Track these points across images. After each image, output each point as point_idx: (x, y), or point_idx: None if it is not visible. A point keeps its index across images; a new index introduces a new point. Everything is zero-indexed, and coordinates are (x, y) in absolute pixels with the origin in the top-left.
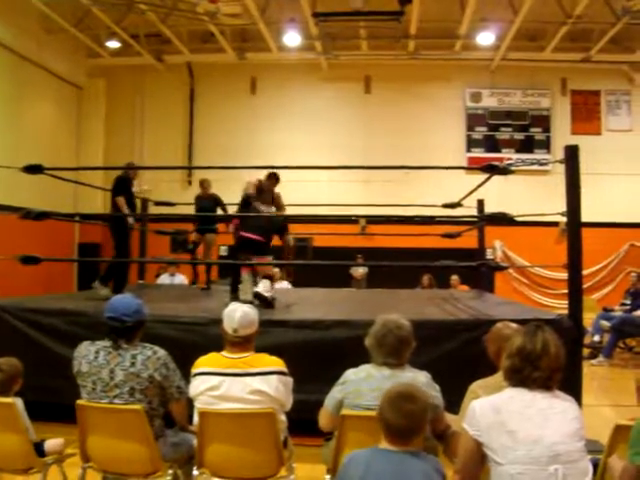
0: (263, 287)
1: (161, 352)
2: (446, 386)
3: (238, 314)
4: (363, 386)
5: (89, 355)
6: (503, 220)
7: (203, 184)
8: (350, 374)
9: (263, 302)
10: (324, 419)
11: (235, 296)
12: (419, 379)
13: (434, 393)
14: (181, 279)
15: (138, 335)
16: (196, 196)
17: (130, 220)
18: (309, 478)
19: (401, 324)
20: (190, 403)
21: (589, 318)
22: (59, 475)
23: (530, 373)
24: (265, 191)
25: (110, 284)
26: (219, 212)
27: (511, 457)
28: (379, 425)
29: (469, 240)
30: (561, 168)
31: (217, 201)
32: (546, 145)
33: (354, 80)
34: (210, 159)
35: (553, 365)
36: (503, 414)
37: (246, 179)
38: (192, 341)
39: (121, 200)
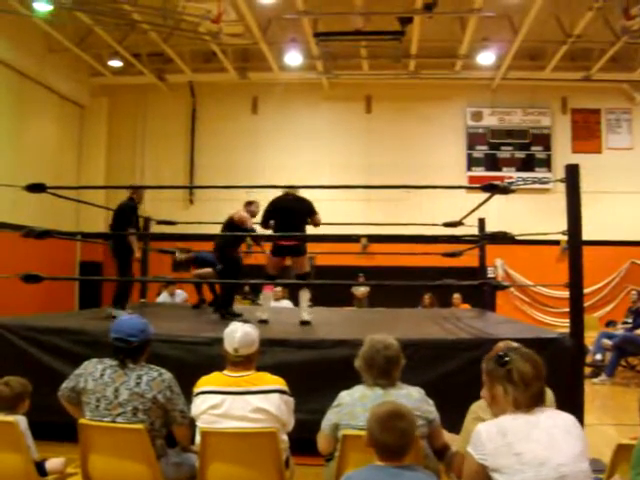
0: (307, 313)
1: (167, 375)
2: (447, 406)
3: (239, 334)
4: (357, 407)
5: (95, 372)
6: (504, 239)
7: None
8: (344, 396)
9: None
10: (322, 442)
11: (222, 312)
12: (413, 395)
13: (428, 407)
14: (181, 298)
15: (144, 354)
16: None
17: (137, 254)
18: None
19: (389, 344)
20: (192, 423)
21: (591, 337)
22: None
23: (525, 394)
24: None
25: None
26: None
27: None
28: (370, 446)
29: (470, 259)
30: (562, 187)
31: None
32: (547, 164)
33: (355, 99)
34: (211, 177)
35: (542, 379)
36: (509, 437)
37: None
38: (193, 361)
39: (133, 238)
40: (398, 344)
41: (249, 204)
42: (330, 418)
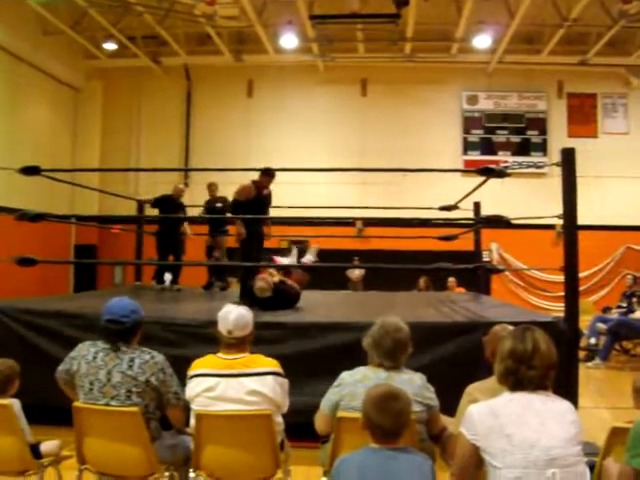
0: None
1: (159, 357)
2: (442, 388)
3: (233, 316)
4: (359, 388)
5: (88, 355)
6: (500, 223)
7: (211, 187)
8: (346, 376)
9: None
10: (320, 422)
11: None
12: (415, 381)
13: (429, 394)
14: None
15: (136, 336)
16: (206, 200)
17: (188, 231)
18: None
19: (400, 327)
20: (187, 406)
21: (585, 321)
22: (55, 477)
23: (525, 373)
24: (265, 194)
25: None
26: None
27: (509, 461)
28: (365, 429)
29: (466, 242)
30: (557, 171)
31: (226, 203)
32: (542, 148)
33: (351, 82)
34: (207, 161)
35: (546, 362)
36: (501, 418)
37: (244, 182)
38: (188, 343)
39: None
40: (408, 329)
41: (265, 174)
42: (330, 398)
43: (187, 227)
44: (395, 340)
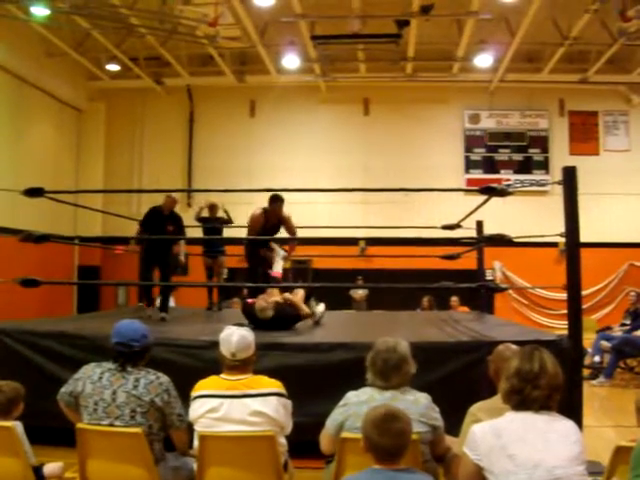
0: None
1: (164, 378)
2: (446, 408)
3: (235, 338)
4: (364, 409)
5: (94, 376)
6: (502, 241)
7: (212, 208)
8: (351, 396)
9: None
10: (325, 442)
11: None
12: (420, 401)
13: (434, 415)
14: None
15: (144, 360)
16: (203, 217)
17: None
18: None
19: (395, 348)
20: (190, 427)
21: (589, 339)
22: None
23: (530, 392)
24: (271, 222)
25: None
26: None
27: None
28: (367, 450)
29: (468, 261)
30: (559, 189)
31: (224, 225)
32: (544, 166)
33: (353, 102)
34: (209, 181)
35: (552, 383)
36: (504, 438)
37: (256, 211)
38: (190, 365)
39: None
40: (407, 348)
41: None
42: (336, 418)
43: (182, 246)
44: (391, 361)
